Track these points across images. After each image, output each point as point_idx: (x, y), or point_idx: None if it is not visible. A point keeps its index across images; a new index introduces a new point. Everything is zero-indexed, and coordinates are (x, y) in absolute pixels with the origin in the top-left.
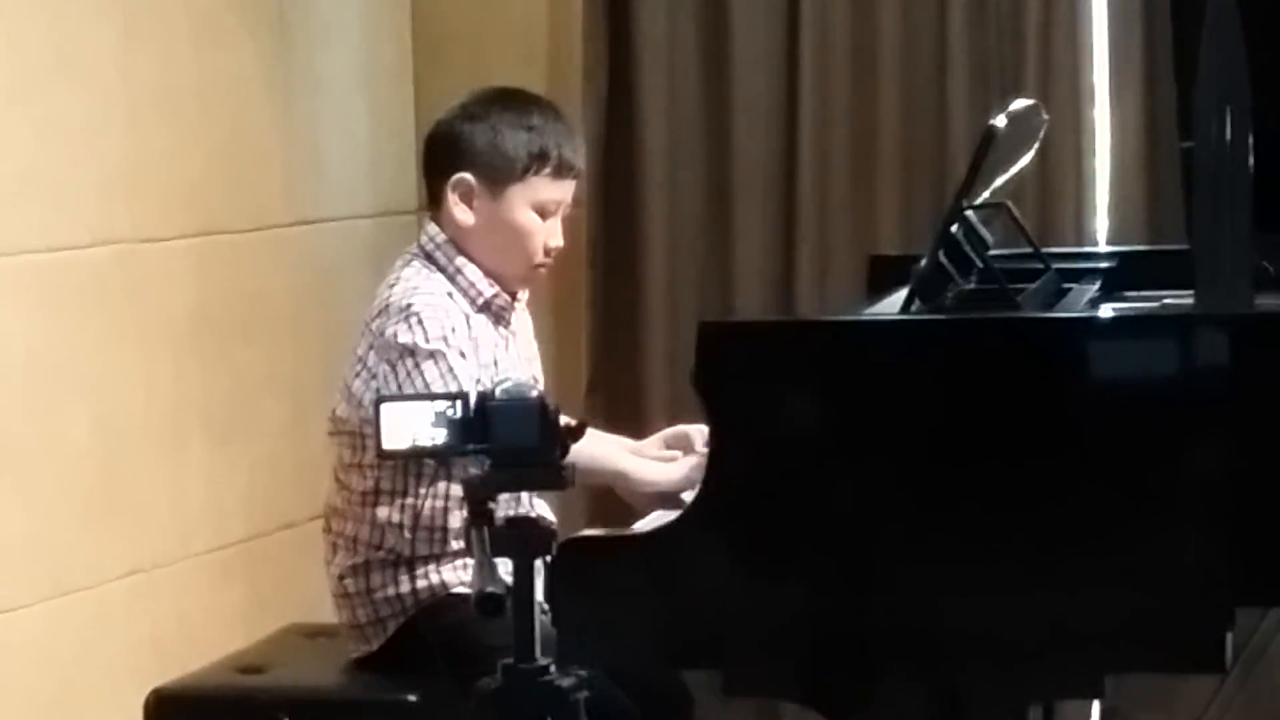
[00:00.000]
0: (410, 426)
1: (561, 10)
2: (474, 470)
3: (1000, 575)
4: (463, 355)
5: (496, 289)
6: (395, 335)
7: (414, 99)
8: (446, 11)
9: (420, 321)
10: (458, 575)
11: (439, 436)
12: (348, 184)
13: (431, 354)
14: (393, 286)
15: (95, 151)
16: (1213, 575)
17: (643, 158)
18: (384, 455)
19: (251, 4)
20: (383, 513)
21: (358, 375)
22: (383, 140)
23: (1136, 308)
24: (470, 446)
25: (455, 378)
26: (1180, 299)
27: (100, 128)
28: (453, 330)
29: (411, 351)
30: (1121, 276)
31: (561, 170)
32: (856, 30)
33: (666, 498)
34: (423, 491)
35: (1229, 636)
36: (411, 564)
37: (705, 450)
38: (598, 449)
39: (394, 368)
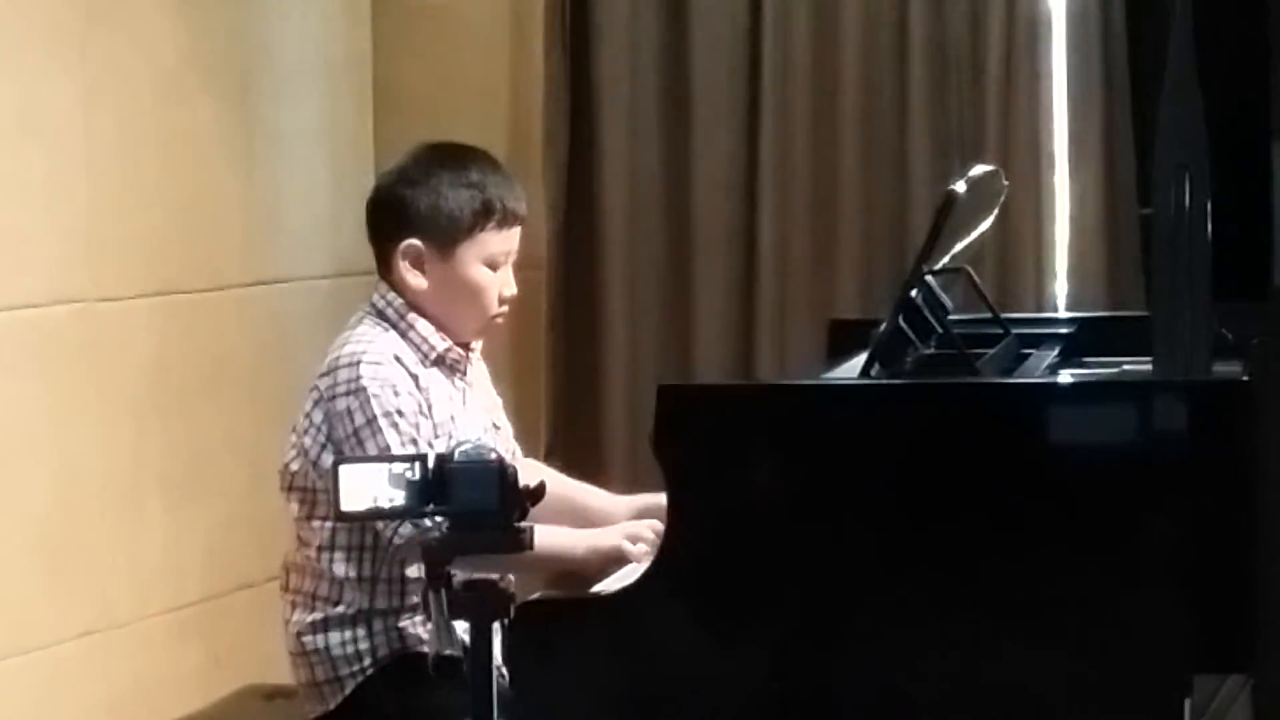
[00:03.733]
0: (369, 488)
1: (522, 72)
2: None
3: (958, 639)
4: (414, 444)
5: (449, 343)
6: (348, 411)
7: (374, 160)
8: (407, 73)
9: (367, 401)
10: (417, 630)
11: (397, 498)
12: (307, 244)
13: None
14: (343, 347)
15: (55, 209)
16: (1170, 642)
17: (603, 220)
18: (342, 517)
19: (213, 63)
20: (339, 567)
21: (306, 432)
22: (342, 201)
23: (1095, 374)
24: (430, 508)
25: None
26: (1139, 365)
27: (61, 185)
28: (399, 413)
29: (358, 440)
30: (1081, 342)
31: (506, 220)
32: (817, 94)
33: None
34: (379, 543)
35: (1187, 704)
36: (370, 619)
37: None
38: (553, 541)
39: (340, 446)
